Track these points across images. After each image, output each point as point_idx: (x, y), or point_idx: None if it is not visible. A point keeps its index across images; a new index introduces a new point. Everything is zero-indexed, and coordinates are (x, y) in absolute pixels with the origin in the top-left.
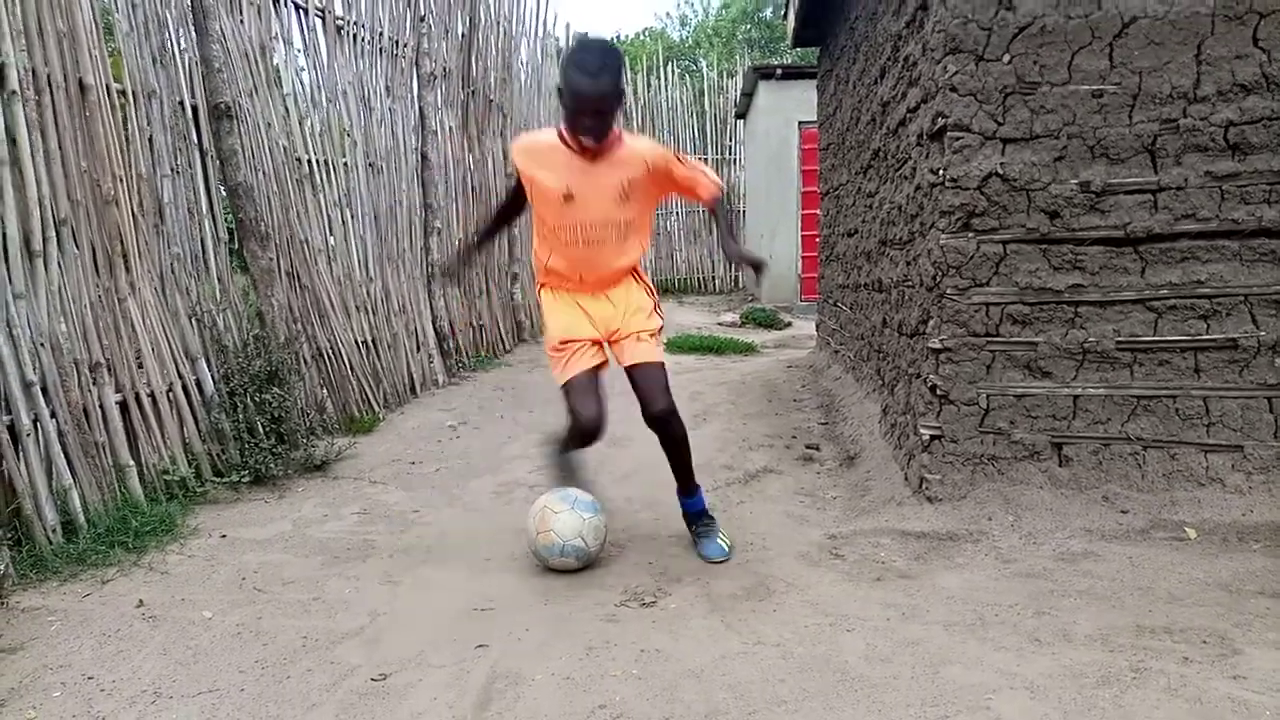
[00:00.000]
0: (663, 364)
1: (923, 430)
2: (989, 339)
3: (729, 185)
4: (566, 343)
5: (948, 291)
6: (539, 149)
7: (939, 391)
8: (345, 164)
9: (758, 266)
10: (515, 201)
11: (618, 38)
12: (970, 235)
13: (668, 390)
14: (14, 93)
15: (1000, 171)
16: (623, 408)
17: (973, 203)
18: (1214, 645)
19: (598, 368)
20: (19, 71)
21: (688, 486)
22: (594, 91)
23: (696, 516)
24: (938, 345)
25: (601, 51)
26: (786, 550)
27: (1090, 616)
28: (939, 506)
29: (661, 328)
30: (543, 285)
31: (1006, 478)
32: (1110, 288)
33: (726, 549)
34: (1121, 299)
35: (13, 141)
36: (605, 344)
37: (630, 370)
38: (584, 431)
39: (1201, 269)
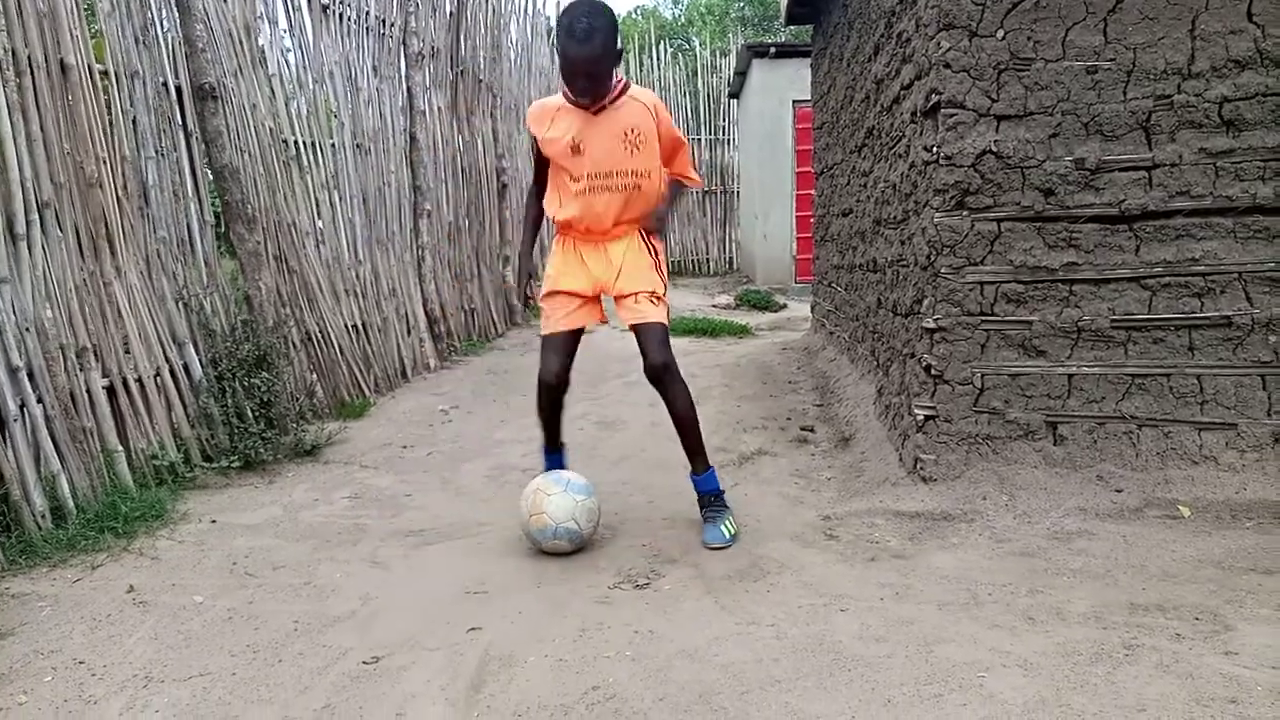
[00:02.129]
0: (662, 323)
1: (917, 410)
2: (983, 318)
3: (722, 166)
4: (554, 294)
5: (942, 270)
6: (547, 110)
7: (933, 371)
8: (332, 145)
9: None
10: (542, 171)
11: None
12: (964, 213)
13: (666, 344)
14: None
15: (994, 149)
16: (617, 392)
17: (967, 180)
18: (1206, 622)
19: (577, 332)
20: None
21: (694, 463)
22: (583, 54)
23: (704, 498)
24: (932, 325)
25: (589, 13)
26: (781, 531)
27: (1083, 594)
28: (933, 486)
29: (664, 287)
30: (557, 235)
31: (1001, 457)
32: (1105, 266)
33: (727, 536)
34: (1116, 277)
35: None
36: (598, 300)
37: (633, 328)
38: (544, 383)
39: (1196, 246)
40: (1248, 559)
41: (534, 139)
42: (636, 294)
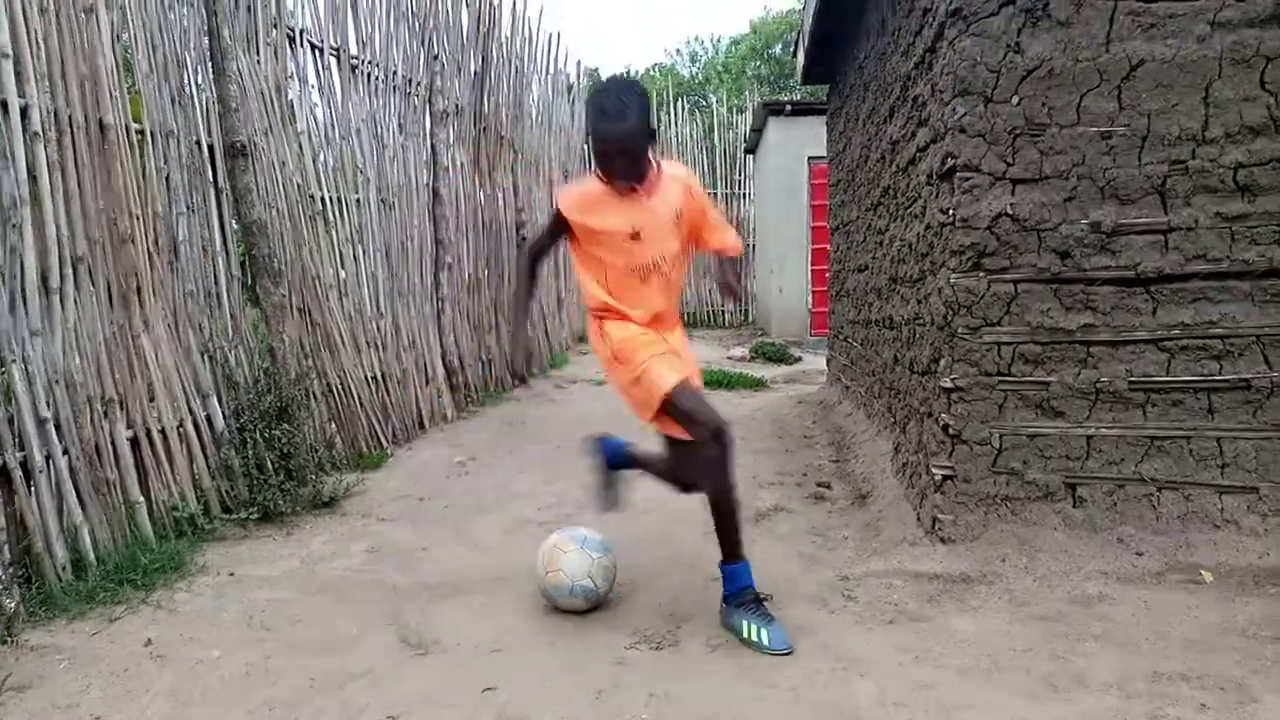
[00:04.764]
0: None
1: (935, 470)
2: (1001, 378)
3: (738, 220)
4: (646, 342)
5: (959, 330)
6: (589, 198)
7: (951, 431)
8: (358, 200)
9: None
10: (550, 245)
11: (628, 72)
12: (981, 275)
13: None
14: (36, 134)
15: (1010, 212)
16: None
17: (983, 242)
18: (1231, 692)
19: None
20: (41, 113)
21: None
22: (618, 135)
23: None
24: (949, 384)
25: (621, 92)
26: (798, 591)
27: (1105, 661)
28: (952, 547)
29: None
30: (602, 318)
31: (1020, 518)
32: (1122, 328)
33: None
34: (1134, 339)
35: (33, 181)
36: None
37: None
38: (716, 433)
39: (1213, 309)
40: (1273, 627)
41: (560, 217)
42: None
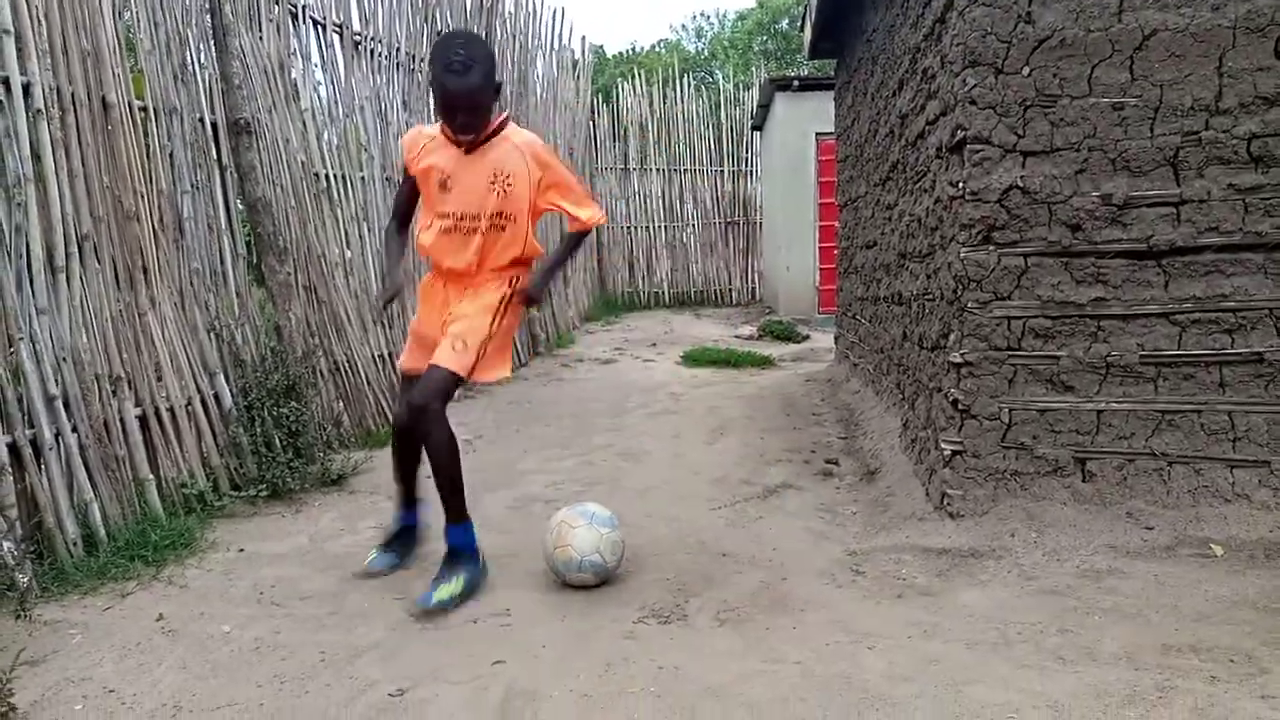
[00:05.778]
0: (448, 370)
1: (944, 445)
2: (1011, 353)
3: (745, 197)
4: (414, 331)
5: (969, 305)
6: (420, 138)
7: (960, 406)
8: (362, 178)
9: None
10: (411, 196)
11: (633, 50)
12: (991, 248)
13: (438, 390)
14: (39, 111)
15: (1021, 184)
16: (640, 423)
17: (993, 215)
18: (1241, 664)
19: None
20: (44, 90)
21: (445, 510)
22: (463, 89)
23: (449, 551)
24: (959, 359)
25: (466, 44)
26: (806, 567)
27: (1115, 635)
28: (961, 522)
29: (488, 337)
30: (428, 272)
31: (1029, 493)
32: (1133, 301)
33: (439, 598)
34: (1145, 312)
35: (37, 159)
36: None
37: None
38: (396, 423)
39: (1226, 282)
40: None
41: (405, 166)
42: (452, 336)
